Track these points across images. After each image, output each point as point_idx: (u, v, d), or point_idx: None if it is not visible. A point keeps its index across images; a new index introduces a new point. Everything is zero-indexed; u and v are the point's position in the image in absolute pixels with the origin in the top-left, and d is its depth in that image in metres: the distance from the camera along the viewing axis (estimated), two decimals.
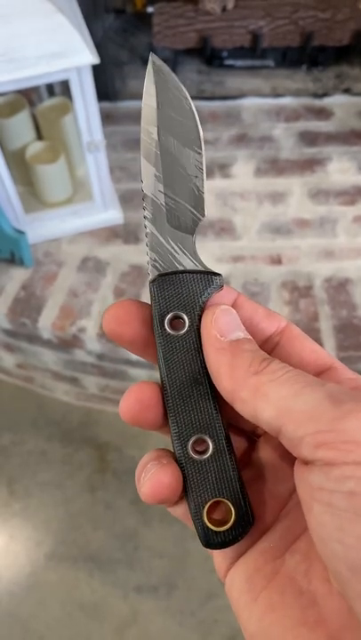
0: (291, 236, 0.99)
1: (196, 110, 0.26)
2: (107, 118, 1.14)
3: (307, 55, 1.22)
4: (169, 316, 0.25)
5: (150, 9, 1.17)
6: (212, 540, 0.23)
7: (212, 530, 0.23)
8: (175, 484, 0.23)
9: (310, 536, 0.21)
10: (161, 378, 0.25)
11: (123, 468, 1.11)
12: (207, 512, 0.23)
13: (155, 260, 0.25)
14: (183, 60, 1.26)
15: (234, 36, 1.17)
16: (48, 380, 1.13)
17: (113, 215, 0.99)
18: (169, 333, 0.24)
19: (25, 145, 0.94)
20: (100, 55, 0.73)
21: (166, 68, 0.26)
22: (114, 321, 0.25)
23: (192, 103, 0.26)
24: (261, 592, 0.22)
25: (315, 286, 0.91)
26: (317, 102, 1.21)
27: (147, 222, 0.26)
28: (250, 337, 0.24)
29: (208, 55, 1.22)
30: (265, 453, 0.26)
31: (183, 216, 0.26)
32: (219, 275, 0.25)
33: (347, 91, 1.22)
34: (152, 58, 0.26)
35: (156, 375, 0.25)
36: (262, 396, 0.21)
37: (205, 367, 0.24)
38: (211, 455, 0.24)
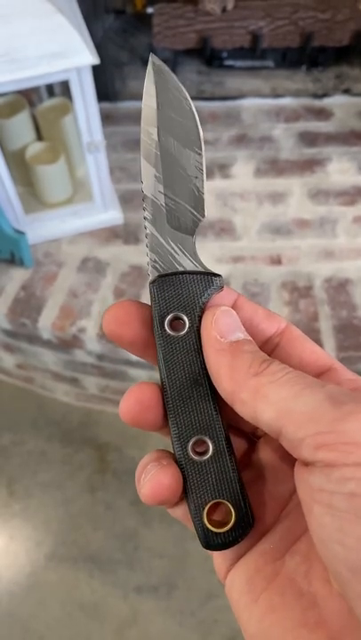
0: (291, 236, 0.99)
1: (196, 111, 0.26)
2: (107, 119, 1.14)
3: (307, 56, 1.22)
4: (169, 316, 0.25)
5: (150, 9, 1.17)
6: (212, 542, 0.23)
7: (212, 531, 0.23)
8: (175, 485, 0.23)
9: (310, 537, 0.21)
10: (161, 379, 0.25)
11: (123, 469, 1.11)
12: (207, 513, 0.23)
13: (155, 261, 0.25)
14: (183, 60, 1.26)
15: (234, 37, 1.17)
16: (48, 380, 1.13)
17: (113, 216, 0.99)
18: (169, 334, 0.24)
19: (25, 145, 0.94)
20: (100, 56, 0.73)
21: (166, 68, 0.26)
22: (114, 321, 0.25)
23: (192, 104, 0.26)
24: (262, 593, 0.22)
25: (315, 287, 0.91)
26: (317, 103, 1.21)
27: (147, 223, 0.26)
28: (250, 338, 0.24)
29: (208, 56, 1.22)
30: (265, 455, 0.26)
31: (183, 217, 0.26)
32: (219, 275, 0.25)
33: (346, 91, 1.22)
34: (152, 59, 0.26)
35: (156, 376, 0.25)
36: (262, 397, 0.21)
37: (205, 368, 0.24)
38: (211, 456, 0.24)
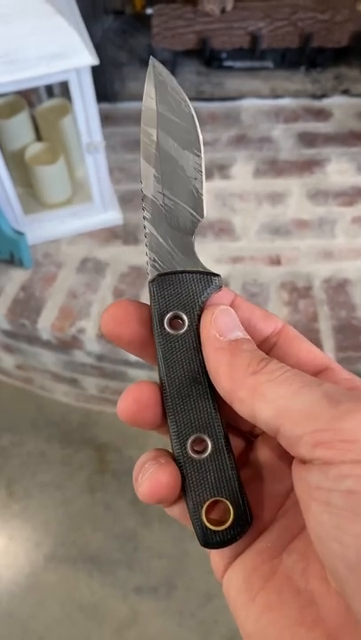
0: (290, 236, 0.99)
1: (196, 111, 0.27)
2: (106, 119, 1.14)
3: (306, 56, 1.22)
4: (168, 315, 0.25)
5: (149, 10, 1.17)
6: (210, 540, 0.23)
7: (210, 529, 0.23)
8: (174, 483, 0.23)
9: (308, 535, 0.21)
10: (160, 377, 0.25)
11: (122, 469, 1.11)
12: (205, 511, 0.23)
13: (154, 260, 0.26)
14: (182, 61, 1.27)
15: (233, 38, 1.17)
16: (47, 381, 1.13)
17: (112, 216, 0.99)
18: (168, 333, 0.25)
19: (24, 146, 0.94)
20: (100, 56, 0.74)
21: (166, 71, 0.27)
22: (112, 321, 0.25)
23: (191, 106, 0.26)
24: (259, 592, 0.22)
25: (314, 287, 0.91)
26: (316, 103, 1.21)
27: (146, 223, 0.26)
28: (249, 337, 0.24)
29: (207, 56, 1.23)
30: (263, 453, 0.26)
31: (182, 217, 0.26)
32: (218, 275, 0.25)
33: (345, 92, 1.22)
34: (152, 61, 0.26)
35: (156, 376, 0.25)
36: (260, 395, 0.21)
37: (204, 366, 0.24)
38: (209, 454, 0.24)
